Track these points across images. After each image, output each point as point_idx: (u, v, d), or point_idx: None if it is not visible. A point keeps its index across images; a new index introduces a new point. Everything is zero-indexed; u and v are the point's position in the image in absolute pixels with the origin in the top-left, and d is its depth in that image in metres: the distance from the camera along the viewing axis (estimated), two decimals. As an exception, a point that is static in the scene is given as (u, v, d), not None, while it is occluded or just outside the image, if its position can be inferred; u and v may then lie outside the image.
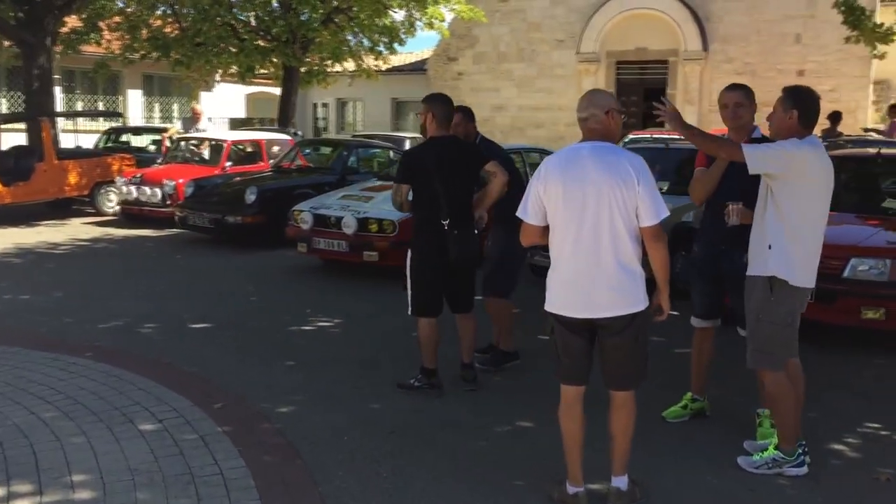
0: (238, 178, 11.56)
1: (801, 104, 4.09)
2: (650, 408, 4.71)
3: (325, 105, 30.49)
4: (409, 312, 5.29)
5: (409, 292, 5.27)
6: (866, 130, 17.06)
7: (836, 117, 14.67)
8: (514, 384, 5.52)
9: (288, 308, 7.59)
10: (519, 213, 3.76)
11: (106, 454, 4.25)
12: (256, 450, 4.35)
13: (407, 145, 15.40)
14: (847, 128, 19.89)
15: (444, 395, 5.24)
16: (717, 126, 18.19)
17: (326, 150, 12.78)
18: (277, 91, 30.56)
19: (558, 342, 3.71)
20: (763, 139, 4.53)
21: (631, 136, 14.34)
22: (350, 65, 21.90)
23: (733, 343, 4.86)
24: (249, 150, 13.46)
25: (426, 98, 5.35)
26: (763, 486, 3.98)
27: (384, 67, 22.61)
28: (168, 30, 18.23)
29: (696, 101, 21.33)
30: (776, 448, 4.08)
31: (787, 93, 4.16)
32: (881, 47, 15.70)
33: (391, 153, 12.61)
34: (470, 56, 23.94)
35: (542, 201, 3.65)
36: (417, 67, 26.40)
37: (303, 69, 19.91)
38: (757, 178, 4.21)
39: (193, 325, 6.93)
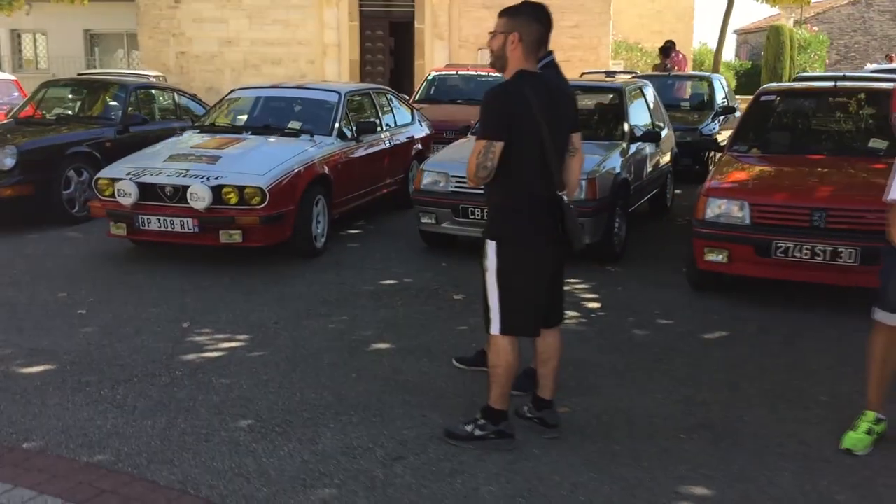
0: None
1: None
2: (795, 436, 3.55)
3: (-8, 38, 25.21)
4: (496, 331, 3.53)
5: (498, 303, 3.51)
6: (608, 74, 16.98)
7: (667, 51, 14.33)
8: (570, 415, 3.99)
9: (147, 322, 5.28)
10: None
11: None
12: None
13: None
14: (591, 65, 20.19)
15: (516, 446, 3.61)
16: (466, 61, 17.38)
17: (81, 92, 9.73)
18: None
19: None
20: None
21: (433, 73, 12.90)
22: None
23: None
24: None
25: (511, 11, 3.46)
26: None
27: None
28: None
29: (445, 36, 20.36)
30: None
31: None
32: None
33: (176, 95, 9.98)
34: (190, -19, 20.76)
35: None
36: (119, -7, 22.52)
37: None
38: None
39: (24, 370, 4.46)
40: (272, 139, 7.25)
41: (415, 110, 9.59)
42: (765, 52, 24.39)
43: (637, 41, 25.47)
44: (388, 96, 9.14)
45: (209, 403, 4.06)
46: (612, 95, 7.79)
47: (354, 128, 7.70)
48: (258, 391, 4.22)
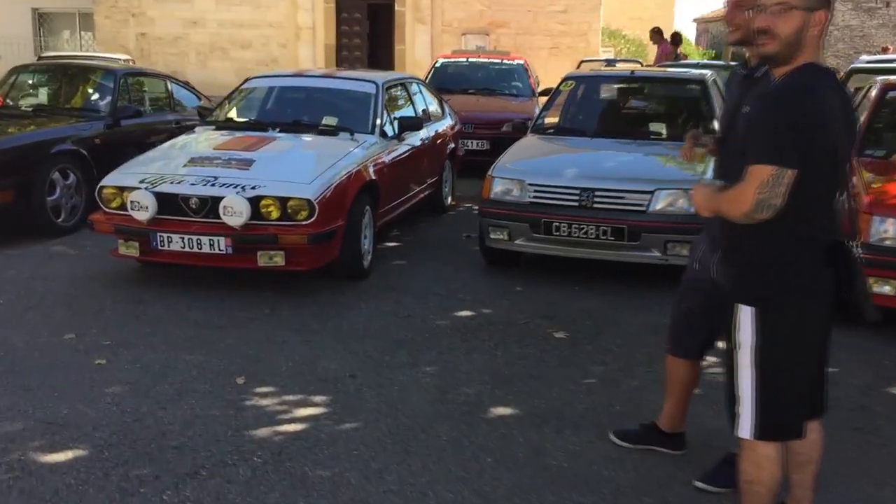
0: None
1: None
2: None
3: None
4: (747, 434, 2.53)
5: (755, 393, 2.50)
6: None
7: (676, 39, 13.39)
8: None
9: (188, 376, 4.15)
10: None
11: None
12: None
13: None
14: (581, 52, 19.27)
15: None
16: (448, 49, 16.29)
17: (59, 79, 8.37)
18: None
19: None
20: None
21: (441, 60, 11.80)
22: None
23: None
24: None
25: None
26: None
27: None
28: None
29: (427, 20, 19.24)
30: None
31: None
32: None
33: (167, 83, 8.70)
34: (151, -44, 19.26)
35: None
36: (72, -32, 20.87)
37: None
38: None
39: (48, 458, 3.32)
40: (307, 138, 6.13)
41: (444, 102, 8.51)
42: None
43: (618, 28, 24.68)
44: (419, 86, 8.04)
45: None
46: (693, 88, 6.80)
47: (396, 124, 6.62)
48: (375, 490, 3.15)
